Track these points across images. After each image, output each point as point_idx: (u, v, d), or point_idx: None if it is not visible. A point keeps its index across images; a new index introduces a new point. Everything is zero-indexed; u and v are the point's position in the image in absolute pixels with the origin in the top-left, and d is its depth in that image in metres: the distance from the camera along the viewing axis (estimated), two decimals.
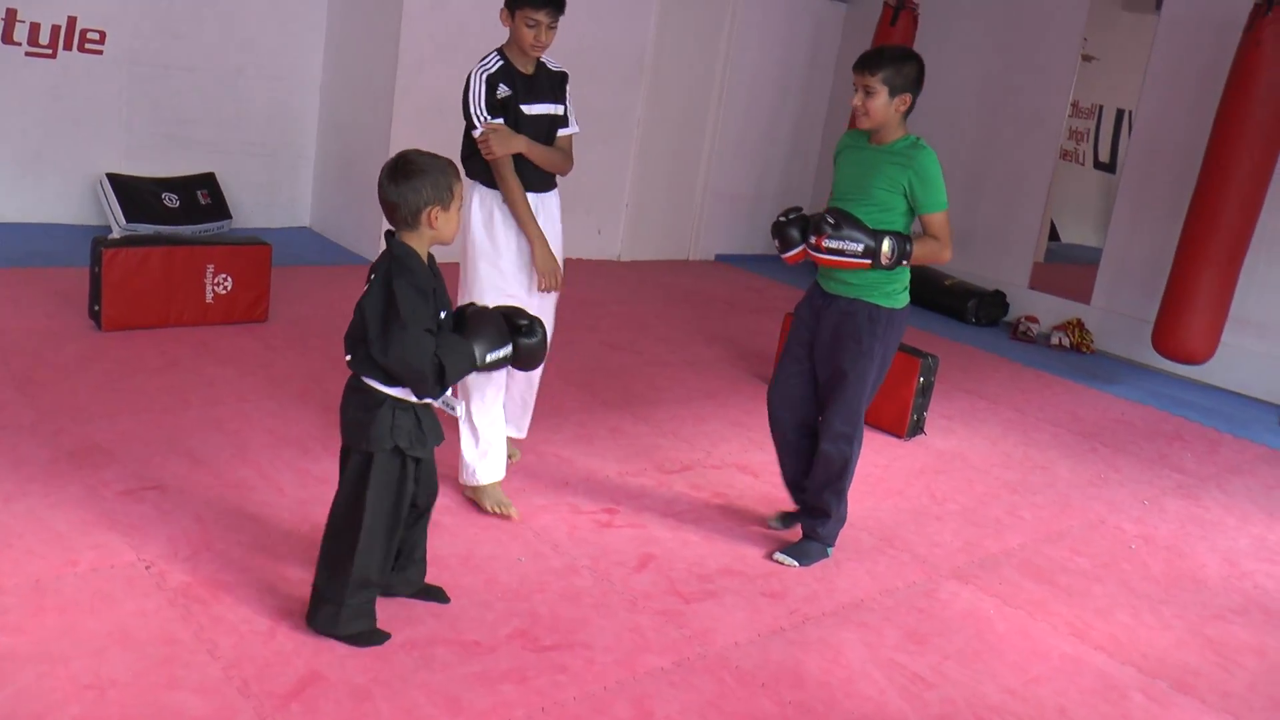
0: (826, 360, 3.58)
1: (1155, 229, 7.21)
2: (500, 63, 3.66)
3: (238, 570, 3.10)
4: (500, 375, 3.70)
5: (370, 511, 2.77)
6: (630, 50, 8.03)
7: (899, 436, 5.09)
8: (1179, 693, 3.22)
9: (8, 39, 6.30)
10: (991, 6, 8.30)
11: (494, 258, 3.72)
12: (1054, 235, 10.71)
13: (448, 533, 3.51)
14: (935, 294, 8.13)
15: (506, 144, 3.60)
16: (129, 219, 6.53)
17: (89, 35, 6.55)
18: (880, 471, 4.67)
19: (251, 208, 7.44)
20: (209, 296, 5.19)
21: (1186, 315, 6.23)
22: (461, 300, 3.64)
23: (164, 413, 4.14)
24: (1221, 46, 6.58)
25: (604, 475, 4.19)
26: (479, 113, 3.62)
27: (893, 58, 3.42)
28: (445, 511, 3.65)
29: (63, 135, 6.64)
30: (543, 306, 3.83)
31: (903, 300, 3.60)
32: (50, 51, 6.46)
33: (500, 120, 3.62)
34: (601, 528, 3.72)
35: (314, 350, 5.05)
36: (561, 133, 3.82)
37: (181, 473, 3.65)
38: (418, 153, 2.74)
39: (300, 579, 3.08)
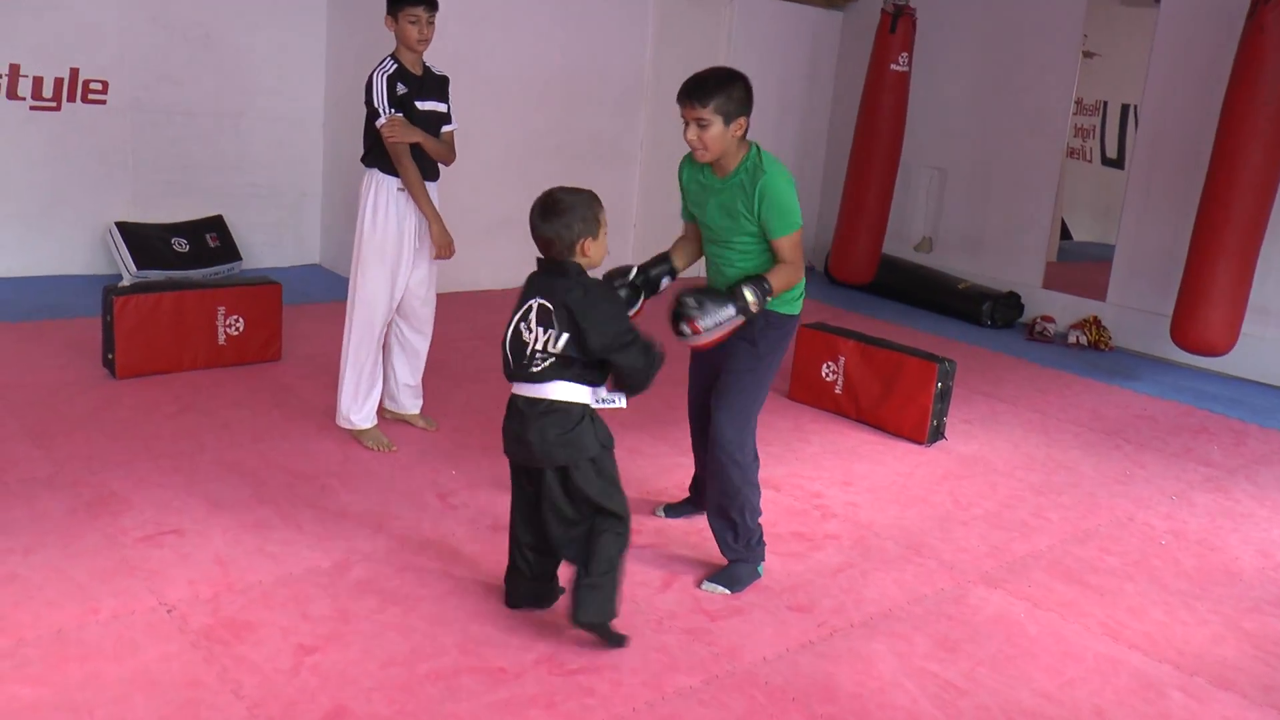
0: (717, 365, 3.47)
1: (1168, 222, 7.16)
2: (395, 65, 4.21)
3: (260, 609, 3.08)
4: (378, 331, 4.37)
5: (620, 498, 3.02)
6: (629, 72, 8.05)
7: (920, 443, 5.04)
8: (1219, 689, 3.16)
9: (11, 94, 6.36)
10: (989, 8, 8.29)
11: (379, 235, 4.29)
12: (1066, 234, 10.68)
13: (467, 560, 3.49)
14: (949, 298, 8.09)
15: (408, 133, 4.16)
16: (139, 266, 6.56)
17: (91, 86, 6.61)
18: (903, 479, 4.62)
19: (261, 248, 7.47)
20: (221, 339, 5.20)
21: (1204, 307, 6.16)
22: (352, 269, 4.37)
23: (180, 457, 4.14)
24: (1224, 35, 6.55)
25: None
26: (383, 107, 4.15)
27: (719, 84, 3.23)
28: (469, 540, 3.63)
29: (70, 186, 6.69)
30: (428, 273, 4.49)
31: (797, 306, 3.51)
32: (54, 104, 6.51)
33: (400, 114, 4.15)
34: None
35: (328, 387, 5.04)
36: (445, 129, 4.39)
37: (200, 516, 3.64)
38: (563, 190, 2.96)
39: (323, 615, 3.06)
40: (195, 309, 5.12)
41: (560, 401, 2.93)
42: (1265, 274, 6.47)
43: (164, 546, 3.40)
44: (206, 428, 4.46)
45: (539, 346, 2.92)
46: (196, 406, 4.69)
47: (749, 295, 3.20)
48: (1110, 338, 7.45)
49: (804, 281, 3.49)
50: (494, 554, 3.55)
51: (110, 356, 4.92)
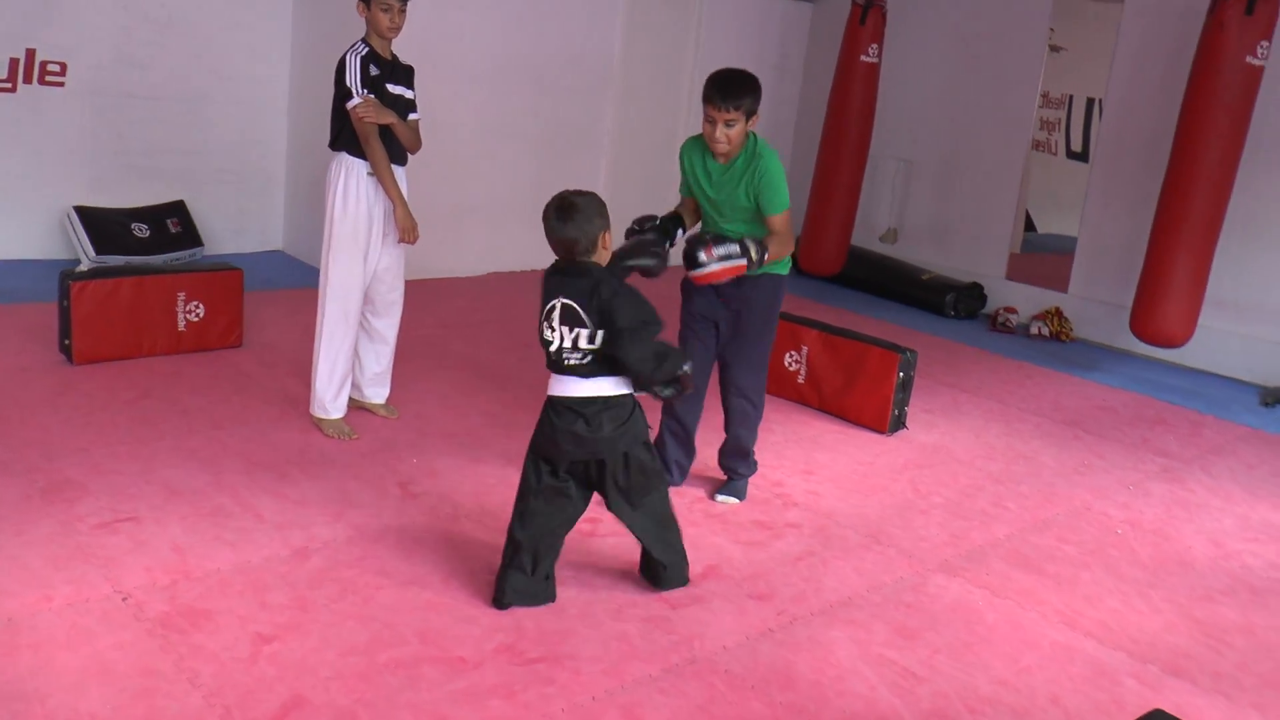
0: (733, 328, 3.94)
1: (1129, 215, 7.24)
2: (367, 49, 4.21)
3: (217, 598, 3.06)
4: (352, 318, 4.36)
5: (659, 465, 3.28)
6: (597, 60, 8.03)
7: (881, 432, 5.07)
8: (1170, 676, 3.21)
9: None
10: (958, 1, 8.32)
11: (350, 219, 4.27)
12: (1030, 226, 10.75)
13: (428, 548, 3.47)
14: (913, 288, 8.14)
15: (381, 114, 4.14)
16: (99, 251, 6.47)
17: (49, 67, 6.50)
18: (864, 468, 4.65)
19: (223, 234, 7.40)
20: (181, 325, 5.15)
21: (1163, 299, 6.23)
22: (323, 255, 4.32)
23: (138, 444, 4.09)
24: (1186, 31, 6.61)
25: None
26: (355, 86, 4.14)
27: (747, 85, 3.64)
28: (429, 529, 3.62)
29: (27, 169, 6.58)
30: (396, 260, 4.48)
31: (787, 268, 4.03)
32: (10, 85, 6.40)
33: (372, 95, 4.15)
34: (585, 538, 3.68)
35: (289, 375, 5.01)
36: (411, 116, 4.37)
37: (157, 503, 3.61)
38: (574, 193, 3.08)
39: (281, 603, 3.05)
40: (155, 295, 5.06)
41: (614, 396, 3.10)
42: (1222, 267, 6.54)
43: (120, 534, 3.37)
44: (165, 415, 4.42)
45: (566, 345, 3.05)
46: (155, 393, 4.64)
47: (752, 249, 3.52)
48: (1071, 329, 7.53)
49: (794, 250, 3.92)
50: (455, 543, 3.55)
51: (67, 342, 4.86)
